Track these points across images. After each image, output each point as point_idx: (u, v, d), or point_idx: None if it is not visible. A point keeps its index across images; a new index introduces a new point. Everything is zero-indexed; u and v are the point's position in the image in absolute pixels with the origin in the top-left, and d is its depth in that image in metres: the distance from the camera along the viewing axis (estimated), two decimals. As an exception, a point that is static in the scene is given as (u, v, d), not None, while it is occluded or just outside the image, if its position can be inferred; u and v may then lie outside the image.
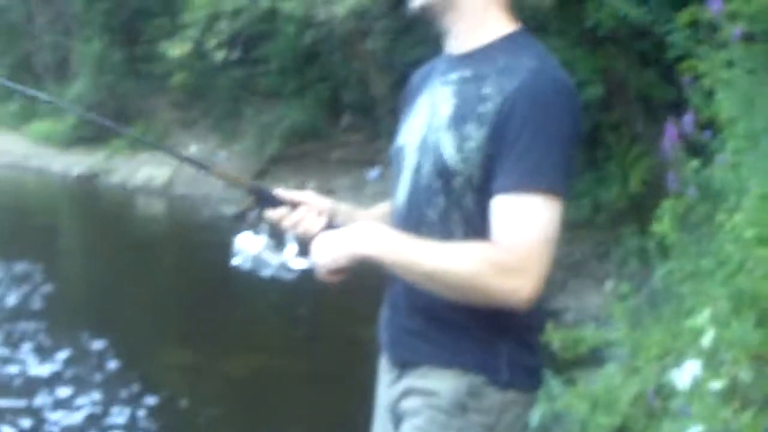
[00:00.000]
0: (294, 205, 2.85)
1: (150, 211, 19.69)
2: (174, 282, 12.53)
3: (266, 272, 2.81)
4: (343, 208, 2.98)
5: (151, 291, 11.76)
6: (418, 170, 2.64)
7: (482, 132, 2.45)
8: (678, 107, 6.59)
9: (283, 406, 7.61)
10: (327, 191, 17.46)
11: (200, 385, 7.96)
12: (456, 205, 2.52)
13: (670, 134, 5.58)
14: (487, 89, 2.48)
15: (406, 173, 2.70)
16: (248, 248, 2.81)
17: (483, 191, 2.46)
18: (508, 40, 2.59)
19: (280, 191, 2.91)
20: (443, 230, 2.55)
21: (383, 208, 3.03)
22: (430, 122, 2.62)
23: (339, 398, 7.59)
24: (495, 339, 2.52)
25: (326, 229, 2.75)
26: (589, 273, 9.98)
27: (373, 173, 16.20)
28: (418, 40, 13.39)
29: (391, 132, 2.98)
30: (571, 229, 11.37)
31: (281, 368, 8.06)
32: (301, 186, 17.93)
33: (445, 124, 2.55)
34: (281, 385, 7.98)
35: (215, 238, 15.67)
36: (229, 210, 17.31)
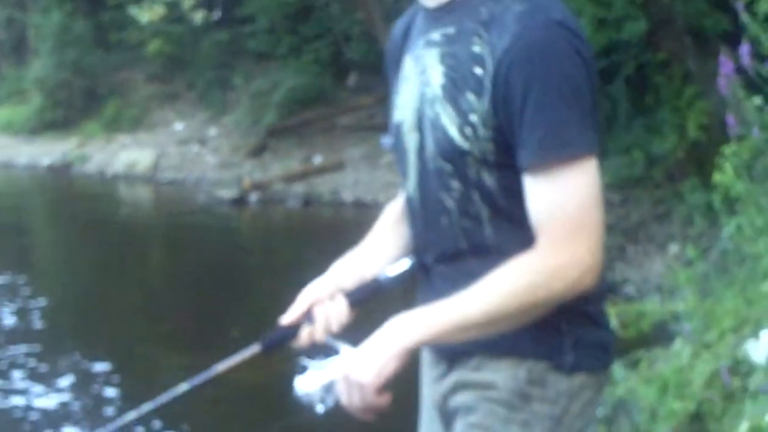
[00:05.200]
0: (308, 317, 2.79)
1: (135, 201, 19.76)
2: (168, 277, 12.61)
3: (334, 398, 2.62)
4: (346, 266, 2.88)
5: (144, 290, 11.83)
6: (422, 151, 2.59)
7: (483, 103, 2.41)
8: (733, 38, 6.60)
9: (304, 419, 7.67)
10: (337, 164, 17.51)
11: (208, 400, 8.06)
12: (474, 186, 2.49)
13: (726, 69, 5.58)
14: (476, 48, 2.44)
15: (410, 157, 2.64)
16: (312, 387, 2.65)
17: (501, 166, 2.44)
18: None
19: (286, 319, 2.83)
20: (465, 216, 2.53)
21: (390, 217, 2.97)
22: (422, 93, 2.58)
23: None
24: (553, 318, 2.49)
25: (352, 303, 2.74)
26: (649, 237, 9.91)
27: (388, 139, 16.15)
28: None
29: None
30: (623, 188, 11.32)
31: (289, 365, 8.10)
32: (307, 160, 18.01)
33: (441, 95, 2.51)
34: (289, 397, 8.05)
35: (214, 225, 15.81)
36: (226, 193, 17.40)
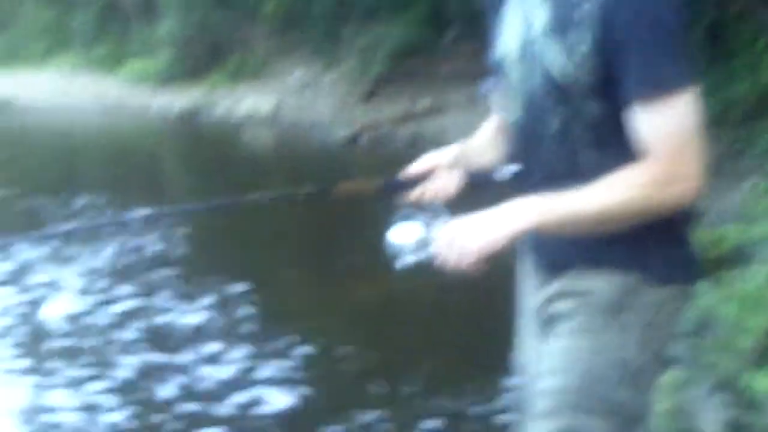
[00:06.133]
0: (425, 177, 2.87)
1: (257, 142, 19.91)
2: (295, 212, 12.74)
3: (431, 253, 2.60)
4: (460, 149, 3.00)
5: (270, 220, 11.99)
6: (526, 83, 2.61)
7: (588, 37, 2.42)
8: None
9: (421, 330, 7.72)
10: (439, 108, 17.52)
11: (332, 318, 8.10)
12: (576, 115, 2.52)
13: None
14: None
15: (515, 87, 2.67)
16: (407, 239, 2.64)
17: (605, 96, 2.46)
18: None
19: (408, 173, 2.91)
20: (567, 142, 2.57)
21: (488, 129, 3.06)
22: (527, 30, 2.59)
23: (474, 317, 7.76)
24: (647, 236, 2.54)
25: (465, 181, 2.80)
26: (725, 173, 9.80)
27: (486, 86, 16.09)
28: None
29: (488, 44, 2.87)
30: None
31: (410, 294, 8.13)
32: (412, 104, 18.02)
33: (546, 33, 2.52)
34: (416, 310, 8.09)
35: (329, 162, 15.91)
36: (339, 134, 17.51)
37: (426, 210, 2.69)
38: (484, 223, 2.45)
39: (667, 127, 2.38)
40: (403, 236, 2.64)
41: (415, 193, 2.84)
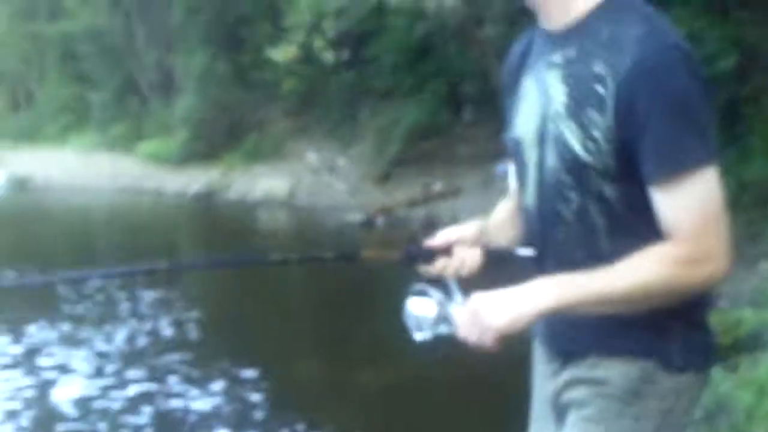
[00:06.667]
0: (447, 249, 2.81)
1: (273, 224, 19.93)
2: (306, 295, 12.71)
3: (448, 330, 2.58)
4: (480, 225, 2.94)
5: (285, 305, 11.95)
6: (542, 165, 2.59)
7: (606, 119, 2.39)
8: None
9: (430, 416, 7.68)
10: (454, 191, 17.56)
11: (345, 402, 8.08)
12: (593, 198, 2.48)
13: None
14: (598, 68, 2.42)
15: (530, 170, 2.65)
16: (426, 313, 2.60)
17: (622, 180, 2.42)
18: (606, 7, 2.50)
19: (432, 243, 2.84)
20: (582, 227, 2.53)
21: (506, 208, 3.02)
22: (545, 111, 2.57)
23: (485, 406, 7.70)
24: (664, 322, 2.50)
25: (486, 259, 2.78)
26: (740, 255, 9.76)
27: (501, 168, 16.16)
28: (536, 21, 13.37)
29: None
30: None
31: (419, 380, 8.11)
32: (427, 187, 18.06)
33: (564, 113, 2.49)
34: (419, 398, 8.06)
35: (345, 246, 15.86)
36: (355, 217, 17.52)
37: (442, 285, 2.67)
38: (508, 300, 2.41)
39: (691, 206, 2.35)
40: (422, 309, 2.60)
41: (437, 265, 2.78)
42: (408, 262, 2.79)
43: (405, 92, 19.89)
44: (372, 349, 9.08)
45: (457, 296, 2.60)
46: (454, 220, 16.95)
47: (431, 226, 15.87)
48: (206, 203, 22.48)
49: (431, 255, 2.78)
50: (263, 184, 21.81)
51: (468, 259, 2.77)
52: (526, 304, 2.39)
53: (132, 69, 30.13)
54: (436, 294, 2.61)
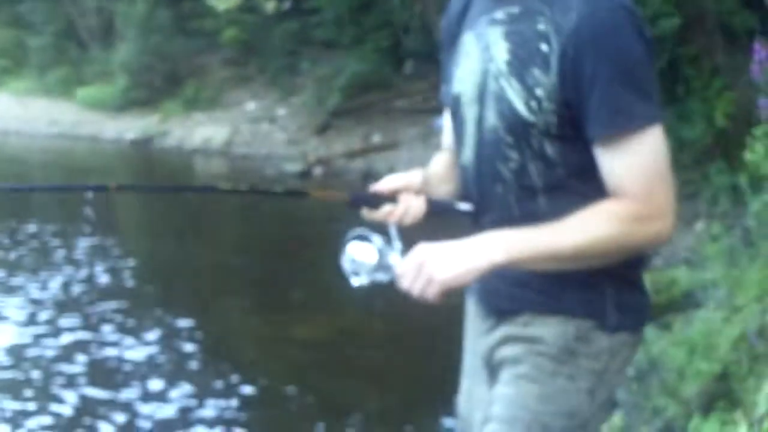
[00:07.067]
0: (393, 197, 2.75)
1: (210, 173, 19.73)
2: (240, 240, 12.67)
3: (386, 277, 2.53)
4: (424, 175, 2.86)
5: (219, 252, 11.91)
6: (481, 123, 2.56)
7: (549, 78, 2.37)
8: (762, 35, 6.57)
9: (364, 370, 7.69)
10: (392, 144, 17.56)
11: (280, 355, 8.06)
12: (533, 157, 2.46)
13: (760, 56, 5.52)
14: (542, 26, 2.40)
15: (468, 127, 2.61)
16: (365, 259, 2.55)
17: (563, 139, 2.41)
18: None
19: (378, 188, 2.76)
20: (521, 185, 2.51)
21: (442, 162, 2.95)
22: (485, 68, 2.54)
23: (419, 357, 7.72)
24: (600, 281, 2.48)
25: (430, 208, 2.71)
26: (677, 215, 9.87)
27: (439, 122, 16.09)
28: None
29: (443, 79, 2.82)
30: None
31: (356, 330, 8.12)
32: (366, 138, 18.05)
33: (506, 71, 2.47)
34: (359, 348, 8.07)
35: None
36: (293, 167, 17.46)
37: (383, 232, 2.62)
38: (456, 253, 2.35)
39: (638, 164, 2.35)
40: (362, 254, 2.55)
41: (381, 211, 2.72)
42: (355, 204, 2.74)
43: (347, 44, 19.85)
44: (309, 300, 9.07)
45: (398, 244, 2.55)
46: (392, 172, 16.76)
47: (368, 177, 15.90)
48: (144, 150, 22.26)
49: (378, 200, 2.73)
50: (201, 132, 21.63)
51: (412, 207, 2.71)
52: (474, 257, 2.33)
53: (72, 15, 29.78)
54: (377, 240, 2.55)
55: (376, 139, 18.09)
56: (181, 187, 4.61)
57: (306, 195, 2.87)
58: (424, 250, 2.37)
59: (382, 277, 2.52)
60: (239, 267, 11.39)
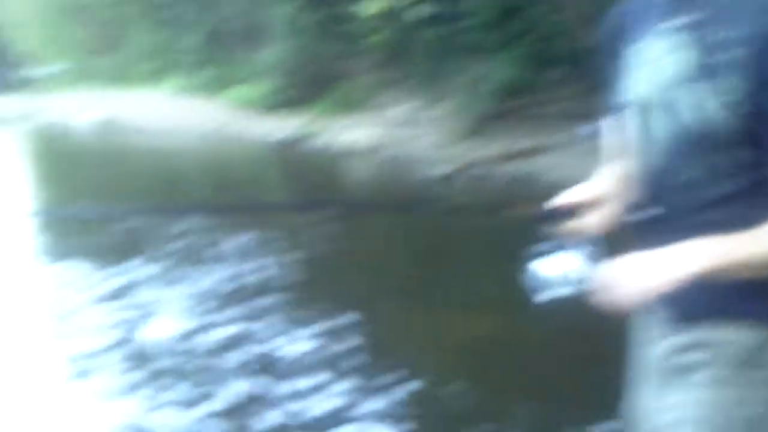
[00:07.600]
0: (579, 208, 2.77)
1: (358, 174, 19.90)
2: (396, 241, 12.64)
3: (570, 290, 2.56)
4: (608, 186, 2.84)
5: (384, 254, 11.95)
6: (665, 129, 2.49)
7: (741, 83, 2.30)
8: None
9: (525, 373, 7.58)
10: (540, 149, 17.44)
11: (441, 355, 7.99)
12: (723, 162, 2.39)
13: None
14: (731, 31, 2.33)
15: (652, 134, 2.55)
16: (555, 272, 2.56)
17: (754, 143, 2.34)
18: None
19: (566, 200, 2.78)
20: (707, 193, 2.44)
21: (612, 174, 2.87)
22: (672, 74, 2.47)
23: (580, 363, 7.64)
24: None
25: (614, 221, 2.73)
26: None
27: (586, 129, 15.90)
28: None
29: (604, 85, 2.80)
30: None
31: (518, 334, 8.02)
32: (513, 144, 17.98)
33: (694, 76, 2.40)
34: (520, 352, 7.96)
35: (429, 198, 15.82)
36: (439, 171, 17.49)
37: (575, 244, 2.63)
38: (656, 264, 2.35)
39: None
40: (550, 269, 2.57)
41: (571, 225, 2.74)
42: (545, 218, 2.74)
43: (492, 49, 19.74)
44: (471, 301, 9.03)
45: (589, 256, 2.57)
46: (537, 178, 16.87)
47: (514, 184, 15.87)
48: (292, 150, 22.53)
49: (563, 215, 2.74)
50: (349, 134, 21.83)
51: (604, 218, 2.75)
52: (675, 267, 2.33)
53: (219, 19, 30.24)
54: (566, 254, 2.58)
55: (524, 144, 18.00)
56: (370, 205, 4.54)
57: (499, 212, 2.87)
58: (627, 259, 2.40)
59: (565, 290, 2.55)
60: (401, 265, 11.53)
